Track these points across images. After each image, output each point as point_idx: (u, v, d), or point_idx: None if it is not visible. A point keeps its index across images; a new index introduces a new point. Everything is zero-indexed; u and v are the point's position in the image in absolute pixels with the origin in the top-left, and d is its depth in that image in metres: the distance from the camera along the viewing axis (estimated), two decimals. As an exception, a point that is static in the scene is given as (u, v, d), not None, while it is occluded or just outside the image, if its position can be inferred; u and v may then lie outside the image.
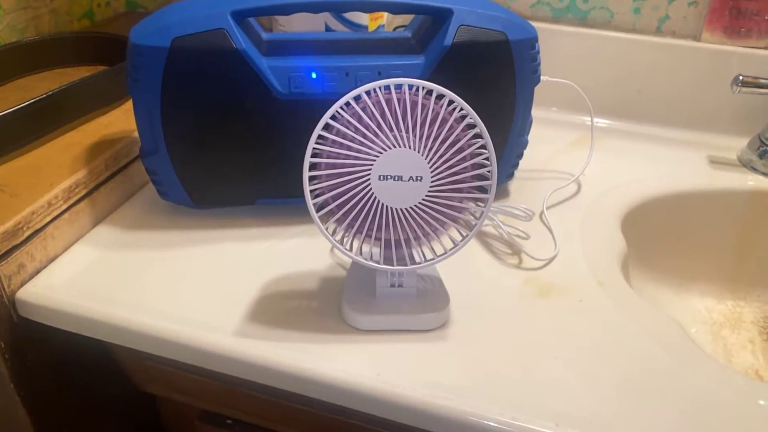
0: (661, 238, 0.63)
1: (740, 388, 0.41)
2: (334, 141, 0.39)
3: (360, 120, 0.38)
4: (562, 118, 0.72)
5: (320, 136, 0.39)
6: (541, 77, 0.53)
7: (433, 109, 0.38)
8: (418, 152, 0.39)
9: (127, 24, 0.85)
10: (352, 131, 0.39)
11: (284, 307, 0.46)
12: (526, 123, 0.55)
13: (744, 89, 0.62)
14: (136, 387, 0.55)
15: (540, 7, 0.74)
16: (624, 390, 0.40)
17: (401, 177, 0.39)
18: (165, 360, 0.46)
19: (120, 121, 0.61)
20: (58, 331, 0.47)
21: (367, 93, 0.38)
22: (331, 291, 0.47)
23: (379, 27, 0.65)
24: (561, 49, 0.72)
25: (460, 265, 0.49)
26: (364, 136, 0.39)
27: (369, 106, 0.38)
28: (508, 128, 0.53)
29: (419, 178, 0.39)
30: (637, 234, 0.59)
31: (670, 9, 0.70)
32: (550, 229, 0.54)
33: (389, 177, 0.39)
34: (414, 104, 0.38)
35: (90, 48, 0.72)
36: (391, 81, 0.38)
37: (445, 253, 0.42)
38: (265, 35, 0.51)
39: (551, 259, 0.51)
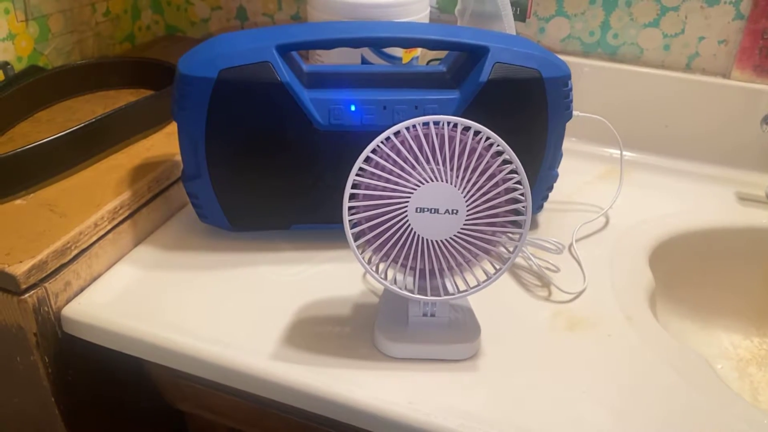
0: (688, 273, 0.64)
1: (766, 428, 0.41)
2: (372, 173, 0.40)
3: (399, 153, 0.40)
4: (590, 151, 0.73)
5: (360, 168, 0.40)
6: (573, 113, 0.55)
7: (468, 144, 0.40)
8: (455, 186, 0.40)
9: (167, 48, 0.89)
10: (390, 164, 0.40)
11: (317, 332, 0.47)
12: (557, 157, 0.56)
13: (774, 128, 0.62)
14: (167, 403, 0.57)
15: (570, 41, 0.75)
16: (651, 425, 0.40)
17: (437, 210, 0.40)
18: (198, 378, 0.47)
19: (161, 144, 0.63)
20: (97, 346, 0.49)
21: (407, 128, 0.40)
22: (363, 317, 0.48)
23: (413, 59, 0.67)
24: (590, 83, 0.73)
25: (491, 297, 0.49)
26: (402, 169, 0.40)
27: (408, 140, 0.40)
28: (539, 162, 0.54)
29: (455, 211, 0.40)
30: (665, 268, 0.59)
31: (700, 46, 0.71)
32: (579, 262, 0.55)
33: (426, 210, 0.40)
34: (451, 139, 0.40)
35: (132, 72, 0.75)
36: (431, 118, 0.40)
37: (479, 285, 0.42)
38: (306, 67, 0.53)
39: (580, 293, 0.51)
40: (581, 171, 0.69)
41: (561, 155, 0.56)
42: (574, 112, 0.55)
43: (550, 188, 0.58)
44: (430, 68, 0.56)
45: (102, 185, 0.55)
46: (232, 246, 0.55)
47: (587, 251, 0.56)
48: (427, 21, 0.67)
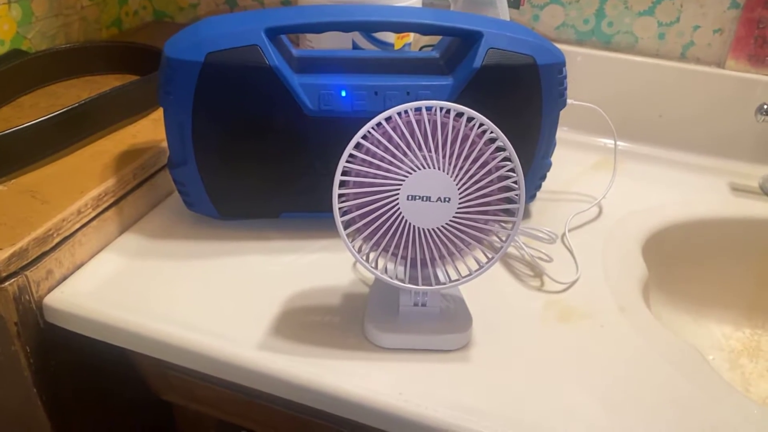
0: (681, 263, 0.63)
1: (757, 418, 0.40)
2: (363, 160, 0.39)
3: (390, 140, 0.39)
4: (584, 140, 0.72)
5: (350, 155, 0.39)
6: (567, 101, 0.54)
7: (461, 130, 0.39)
8: (447, 173, 0.39)
9: (154, 33, 0.87)
10: (381, 151, 0.39)
11: (306, 322, 0.46)
12: (551, 145, 0.55)
13: (768, 118, 0.62)
14: (154, 394, 0.56)
15: (564, 29, 0.74)
16: (643, 416, 0.40)
17: (429, 198, 0.39)
18: (185, 369, 0.46)
19: (148, 130, 0.62)
20: (81, 336, 0.47)
21: (398, 114, 0.39)
22: (353, 307, 0.47)
23: (405, 45, 0.66)
24: (584, 72, 0.72)
25: (483, 286, 0.49)
26: (394, 155, 0.39)
27: (399, 126, 0.39)
28: (533, 151, 0.53)
29: (447, 199, 0.40)
30: (658, 259, 0.59)
31: (695, 35, 0.70)
32: (571, 252, 0.54)
33: (417, 197, 0.39)
34: (444, 125, 0.39)
35: (118, 57, 0.73)
36: (423, 103, 0.39)
37: (471, 274, 0.42)
38: (295, 52, 0.52)
39: (573, 283, 0.51)
40: (575, 160, 0.69)
41: (555, 144, 0.56)
42: (569, 101, 0.55)
43: (544, 177, 0.57)
44: (423, 54, 0.55)
45: (86, 172, 0.54)
46: (220, 234, 0.54)
47: (580, 241, 0.56)
48: (419, 6, 0.66)
